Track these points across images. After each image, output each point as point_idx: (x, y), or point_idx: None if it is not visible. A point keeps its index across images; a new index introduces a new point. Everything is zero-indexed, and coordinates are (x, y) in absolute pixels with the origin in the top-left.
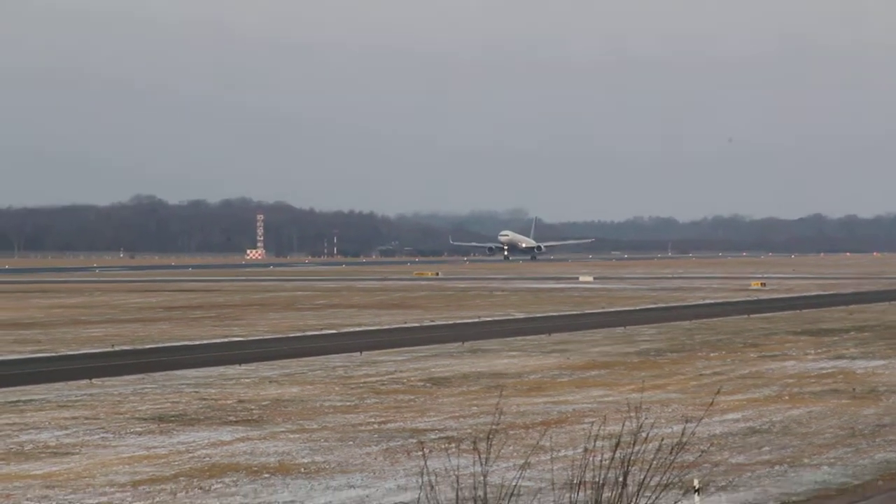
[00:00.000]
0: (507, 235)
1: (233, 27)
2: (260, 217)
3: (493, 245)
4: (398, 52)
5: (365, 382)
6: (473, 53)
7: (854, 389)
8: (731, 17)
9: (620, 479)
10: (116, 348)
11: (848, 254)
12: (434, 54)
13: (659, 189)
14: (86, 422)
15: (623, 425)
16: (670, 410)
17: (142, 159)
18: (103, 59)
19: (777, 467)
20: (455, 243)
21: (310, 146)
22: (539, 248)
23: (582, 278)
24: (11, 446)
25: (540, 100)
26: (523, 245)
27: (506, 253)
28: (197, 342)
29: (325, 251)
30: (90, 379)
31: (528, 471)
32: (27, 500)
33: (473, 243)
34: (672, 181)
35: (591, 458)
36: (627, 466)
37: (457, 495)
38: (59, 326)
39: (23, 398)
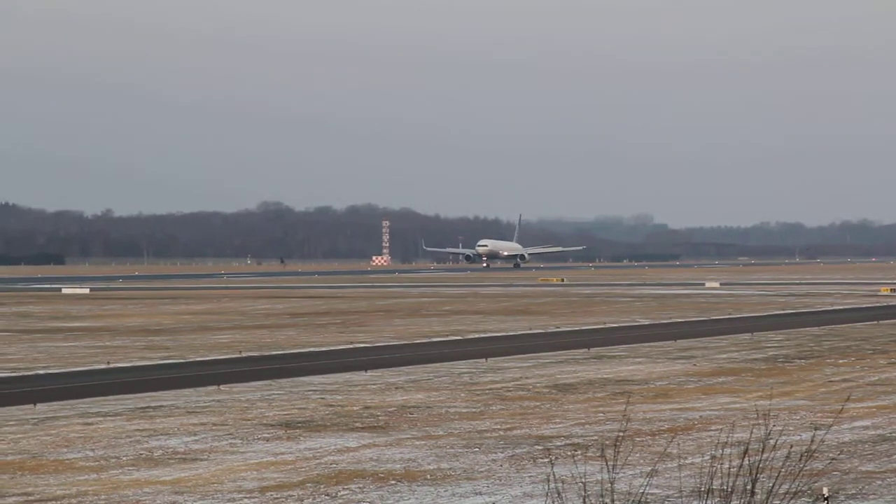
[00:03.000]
0: (486, 246)
1: (357, 39)
2: (385, 223)
3: (471, 253)
4: (519, 60)
5: (490, 389)
6: (596, 52)
7: None
8: (864, 8)
9: (749, 486)
10: (244, 354)
11: None
12: (555, 59)
13: (786, 193)
14: (214, 428)
15: (751, 433)
16: (798, 418)
17: (268, 166)
18: (230, 73)
19: None
20: (430, 249)
21: (436, 153)
22: (522, 256)
23: (708, 284)
24: (141, 452)
25: (665, 101)
26: (505, 253)
27: (485, 262)
28: (323, 348)
29: (451, 258)
30: (218, 385)
31: (655, 478)
32: None
33: (449, 249)
34: (799, 185)
35: (718, 466)
36: (756, 474)
37: (584, 502)
38: (188, 333)
39: (152, 404)
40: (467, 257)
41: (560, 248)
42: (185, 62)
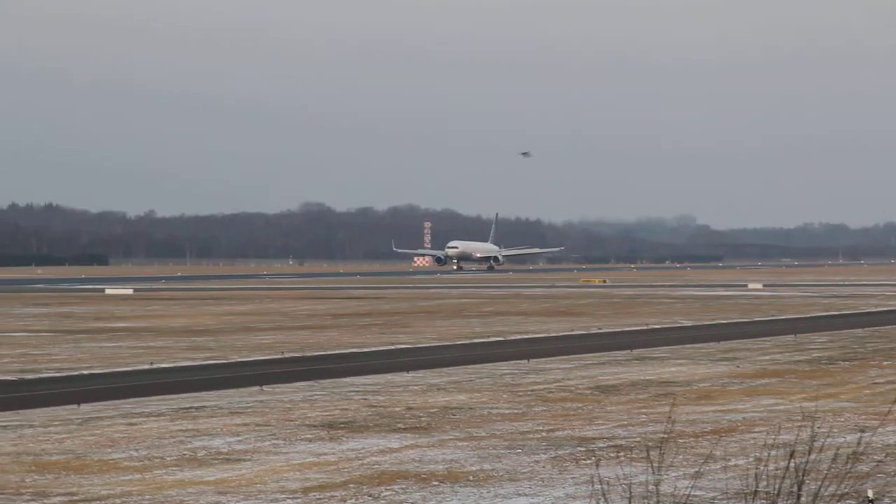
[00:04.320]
0: (457, 248)
1: (413, 45)
2: (427, 224)
3: (441, 255)
4: (559, 59)
5: (532, 390)
6: (640, 51)
7: None
8: None
9: (794, 489)
10: (286, 355)
11: None
12: (591, 56)
13: (830, 194)
14: (257, 428)
15: (797, 435)
16: (843, 420)
17: (310, 168)
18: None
19: None
20: (400, 251)
21: (478, 154)
22: (496, 258)
23: (751, 285)
24: (185, 452)
25: (707, 99)
26: (478, 255)
27: (457, 264)
28: (365, 349)
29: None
30: (261, 386)
31: (700, 480)
32: None
33: (420, 250)
34: (844, 185)
35: (763, 468)
36: (802, 476)
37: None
38: (230, 333)
39: (195, 405)
40: (437, 259)
41: (537, 249)
42: (225, 65)
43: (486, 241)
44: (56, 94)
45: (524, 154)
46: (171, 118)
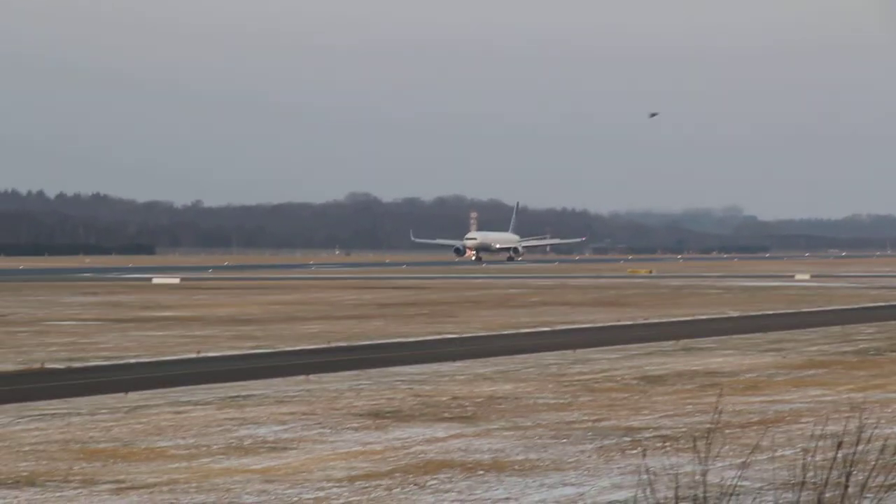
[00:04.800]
0: (476, 239)
1: (443, 35)
2: (473, 215)
3: (460, 245)
4: (605, 52)
5: (578, 380)
6: (677, 42)
7: None
8: None
9: (842, 479)
10: (332, 345)
11: None
12: (640, 48)
13: (878, 185)
14: (303, 417)
15: (844, 425)
16: (891, 411)
17: (356, 157)
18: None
19: None
20: (418, 241)
21: (525, 144)
22: (516, 249)
23: (798, 276)
24: (231, 441)
25: (752, 90)
26: (497, 246)
27: (475, 255)
28: (411, 339)
29: (538, 248)
30: (307, 375)
31: (747, 470)
32: (247, 493)
33: (439, 240)
34: (892, 176)
35: (810, 459)
36: (849, 467)
37: (676, 494)
38: (277, 323)
39: (242, 393)
40: (457, 250)
41: (558, 240)
42: (269, 61)
43: (509, 232)
44: (107, 88)
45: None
46: (217, 112)
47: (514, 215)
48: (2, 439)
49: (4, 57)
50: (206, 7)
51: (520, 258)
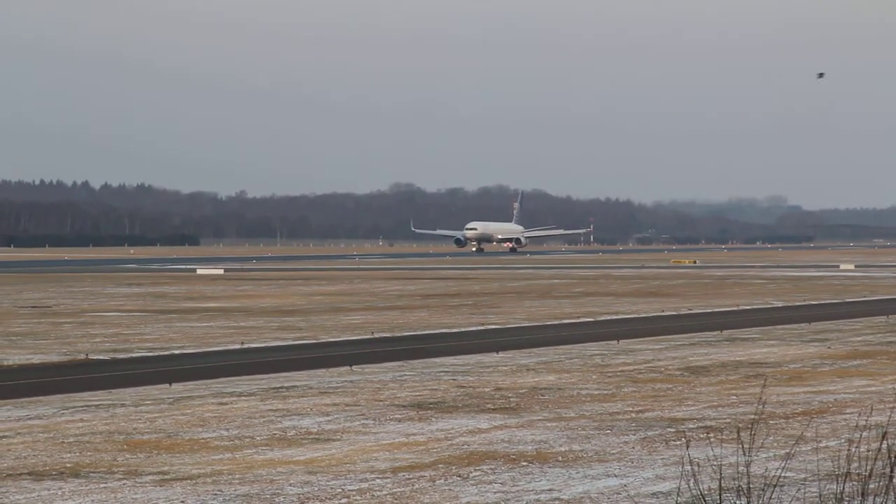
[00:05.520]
0: (476, 229)
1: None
2: (516, 205)
3: (461, 236)
4: (658, 47)
5: (622, 371)
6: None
7: None
8: None
9: (886, 471)
10: (376, 335)
11: None
12: (688, 42)
13: None
14: (346, 408)
15: (889, 416)
16: None
17: (399, 147)
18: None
19: None
20: (418, 231)
21: (566, 134)
22: (519, 240)
23: (843, 266)
24: (275, 432)
25: (800, 74)
26: (500, 236)
27: (476, 246)
28: (454, 330)
29: (582, 239)
30: (350, 366)
31: (791, 461)
32: (290, 485)
33: (439, 231)
34: None
35: (855, 450)
36: (894, 458)
37: (720, 485)
38: (320, 313)
39: (286, 384)
40: (457, 241)
41: (561, 231)
42: (322, 57)
43: (513, 222)
44: (152, 80)
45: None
46: (263, 105)
47: (518, 205)
48: (47, 430)
49: (51, 49)
50: (258, 3)
51: (523, 248)
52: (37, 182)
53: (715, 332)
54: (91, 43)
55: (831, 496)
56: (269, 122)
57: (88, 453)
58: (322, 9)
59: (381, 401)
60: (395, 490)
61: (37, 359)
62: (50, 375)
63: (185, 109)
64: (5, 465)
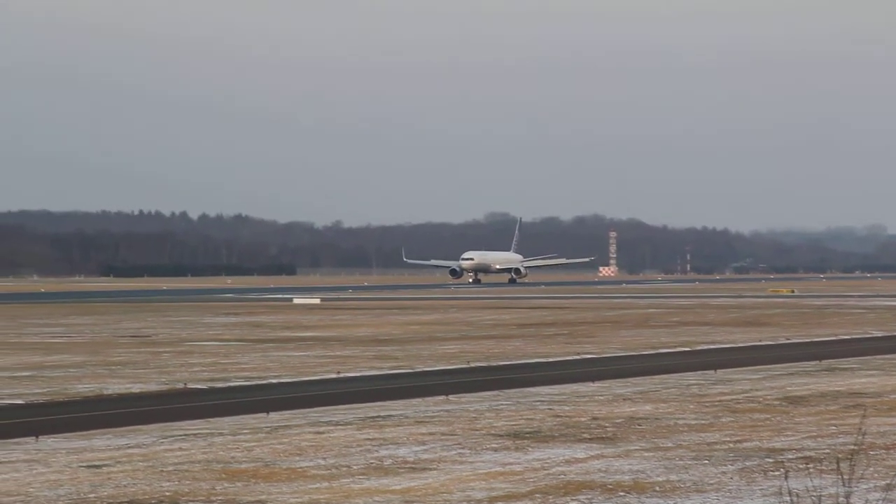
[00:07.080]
0: (472, 259)
1: (580, 51)
2: (612, 234)
3: (456, 266)
4: (734, 59)
5: (720, 401)
6: (793, 54)
7: None
8: None
9: None
10: (471, 365)
11: None
12: (765, 55)
13: None
14: (442, 437)
15: None
16: None
17: (495, 176)
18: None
19: None
20: (410, 261)
21: (663, 163)
22: (518, 270)
23: None
24: (371, 461)
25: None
26: (497, 266)
27: (473, 277)
28: (550, 359)
29: (679, 268)
30: (446, 395)
31: (891, 492)
32: None
33: (433, 262)
34: None
35: None
36: None
37: None
38: (415, 343)
39: (381, 413)
40: (453, 271)
41: (564, 260)
42: (419, 91)
43: (511, 251)
44: (249, 116)
45: None
46: (359, 137)
47: (516, 233)
48: (146, 459)
49: (151, 96)
50: (361, 42)
51: (523, 279)
52: (136, 212)
53: (814, 362)
54: (190, 84)
55: None
56: (365, 155)
57: (187, 482)
58: (416, 45)
59: (477, 430)
60: None
61: (136, 388)
62: (149, 404)
63: (285, 142)
64: (106, 493)
